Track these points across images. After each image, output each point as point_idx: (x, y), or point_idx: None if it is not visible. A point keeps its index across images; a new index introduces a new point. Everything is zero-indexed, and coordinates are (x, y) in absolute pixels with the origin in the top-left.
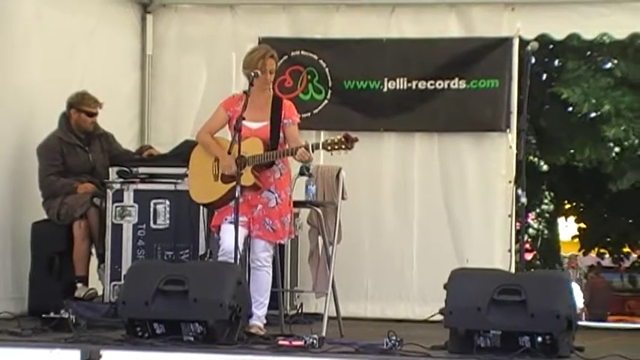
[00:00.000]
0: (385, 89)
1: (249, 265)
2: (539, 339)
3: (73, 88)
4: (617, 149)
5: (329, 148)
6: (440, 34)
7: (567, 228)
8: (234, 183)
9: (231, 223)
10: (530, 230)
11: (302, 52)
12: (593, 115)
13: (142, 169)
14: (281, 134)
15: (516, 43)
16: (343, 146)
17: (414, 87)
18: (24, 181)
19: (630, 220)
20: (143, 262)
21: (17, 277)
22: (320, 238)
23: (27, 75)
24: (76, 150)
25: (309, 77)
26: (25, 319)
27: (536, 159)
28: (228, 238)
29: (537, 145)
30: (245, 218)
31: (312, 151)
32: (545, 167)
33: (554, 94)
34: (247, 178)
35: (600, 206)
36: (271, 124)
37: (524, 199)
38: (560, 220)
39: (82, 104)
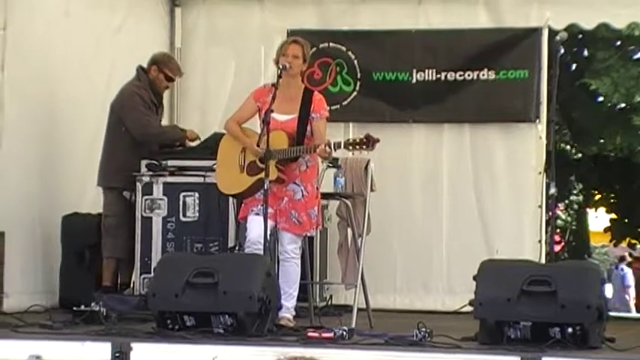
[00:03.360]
0: (414, 80)
1: (277, 257)
2: (570, 330)
3: (102, 82)
4: None
5: (350, 147)
6: (468, 25)
7: (597, 219)
8: (259, 175)
9: (257, 214)
10: (559, 222)
11: (330, 44)
12: (623, 104)
13: (171, 162)
14: (308, 128)
15: (545, 33)
16: (364, 146)
17: (442, 78)
18: (53, 175)
19: None
20: (173, 254)
21: (48, 271)
22: (349, 230)
23: (56, 70)
24: (153, 109)
25: (337, 69)
26: (56, 312)
27: (568, 147)
28: (254, 229)
29: (568, 135)
30: (271, 210)
31: (335, 150)
32: (576, 157)
33: (584, 85)
34: (271, 172)
35: (631, 196)
36: (299, 117)
37: (553, 190)
38: (590, 211)
39: (166, 65)
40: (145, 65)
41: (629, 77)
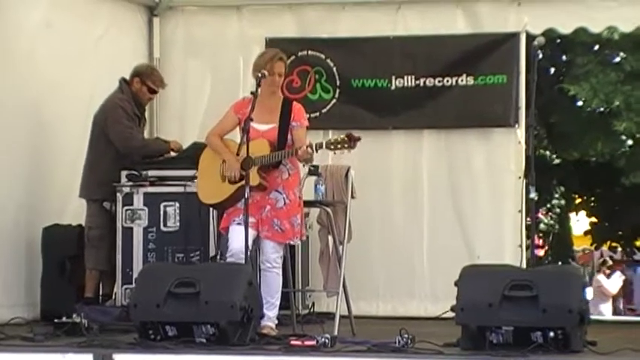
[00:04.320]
0: (393, 87)
1: (259, 266)
2: (552, 334)
3: (86, 92)
4: (629, 142)
5: (332, 147)
6: (447, 31)
7: (579, 222)
8: (241, 183)
9: (239, 224)
10: (542, 225)
11: (309, 52)
12: (602, 109)
13: (151, 172)
14: (289, 137)
15: (523, 38)
16: (346, 145)
17: (421, 84)
18: (37, 186)
19: None
20: (154, 264)
21: (29, 283)
22: (330, 237)
23: (37, 80)
24: (136, 122)
25: (316, 77)
26: (37, 324)
27: (547, 153)
28: (237, 239)
29: (548, 139)
30: (253, 219)
31: (316, 151)
32: (556, 161)
33: (563, 89)
34: (253, 178)
35: (611, 200)
36: (279, 126)
37: (534, 194)
38: (572, 215)
39: (149, 77)
40: (127, 77)
41: (608, 82)
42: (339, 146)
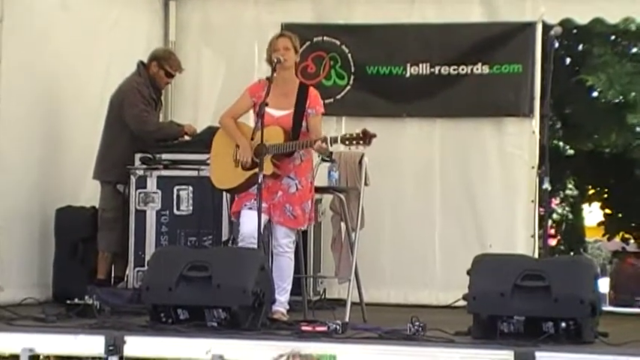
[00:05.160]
0: (408, 74)
1: (271, 251)
2: (563, 324)
3: (100, 75)
4: None
5: (347, 142)
6: (463, 19)
7: (591, 213)
8: (255, 170)
9: (250, 209)
10: (555, 215)
11: (325, 38)
12: (618, 100)
13: (165, 156)
14: (304, 123)
15: (540, 27)
16: (361, 141)
17: (436, 72)
18: (49, 167)
19: None
20: (166, 248)
21: (42, 264)
22: (343, 224)
23: (53, 63)
24: (152, 105)
25: (331, 63)
26: (49, 305)
27: (561, 143)
28: (247, 223)
29: (562, 130)
30: (265, 204)
31: (331, 145)
32: (569, 152)
33: (580, 80)
34: (267, 166)
35: (625, 192)
36: (295, 112)
37: (547, 185)
38: (584, 206)
39: (167, 62)
40: (144, 60)
41: (625, 73)
42: (354, 142)
